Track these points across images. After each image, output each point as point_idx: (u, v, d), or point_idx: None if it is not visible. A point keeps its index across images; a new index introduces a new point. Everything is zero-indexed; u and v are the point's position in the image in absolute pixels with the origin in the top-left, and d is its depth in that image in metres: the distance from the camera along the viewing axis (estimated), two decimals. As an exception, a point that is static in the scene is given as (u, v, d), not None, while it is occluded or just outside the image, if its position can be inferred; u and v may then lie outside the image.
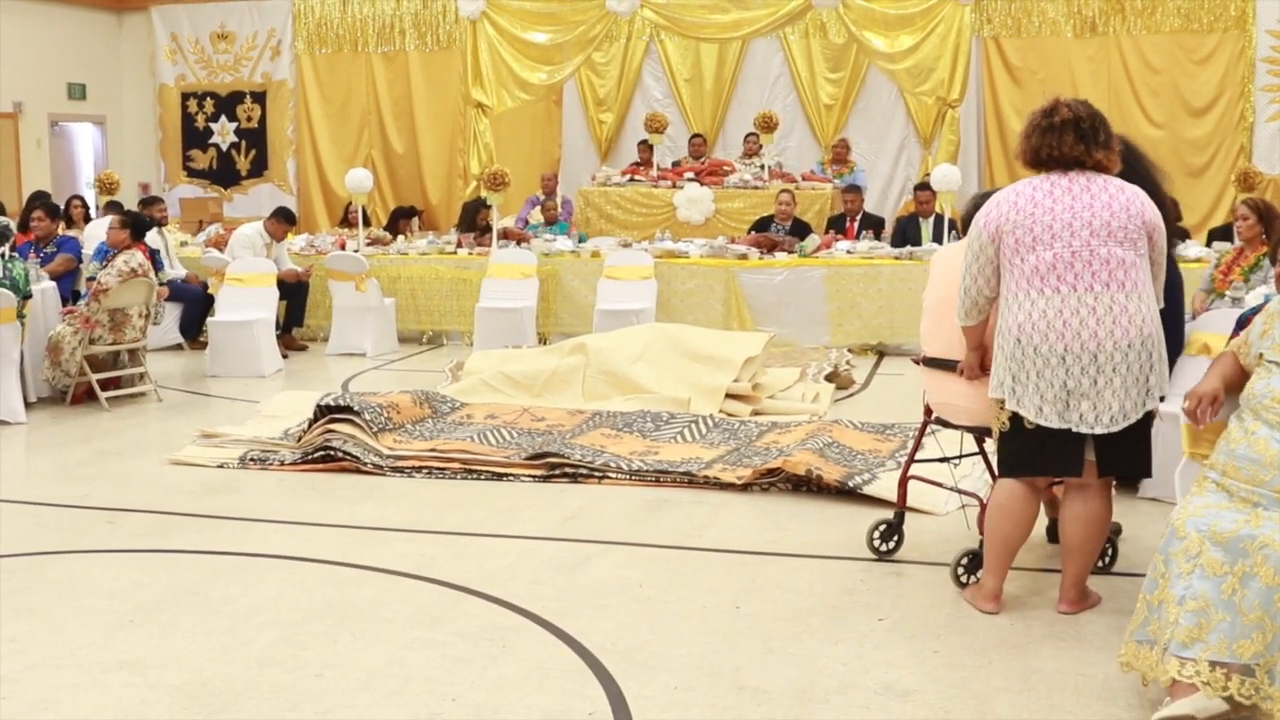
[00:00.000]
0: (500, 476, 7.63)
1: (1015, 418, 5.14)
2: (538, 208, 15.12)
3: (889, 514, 6.19)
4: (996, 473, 5.51)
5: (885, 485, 7.05)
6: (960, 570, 5.60)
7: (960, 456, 6.17)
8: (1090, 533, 5.22)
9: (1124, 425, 5.00)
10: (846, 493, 7.06)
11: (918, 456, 6.14)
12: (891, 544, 6.08)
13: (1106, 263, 4.98)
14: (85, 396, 9.94)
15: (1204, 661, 4.05)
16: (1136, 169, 5.50)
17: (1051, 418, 5.03)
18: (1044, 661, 4.82)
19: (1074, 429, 5.02)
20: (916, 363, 5.98)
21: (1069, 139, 5.08)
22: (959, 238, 12.71)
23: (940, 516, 6.65)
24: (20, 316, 9.48)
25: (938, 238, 12.73)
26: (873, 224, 13.71)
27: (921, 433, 6.09)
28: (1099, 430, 5.00)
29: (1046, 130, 5.13)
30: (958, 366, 5.54)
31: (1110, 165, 5.14)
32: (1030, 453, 5.19)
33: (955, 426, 5.85)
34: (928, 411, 5.96)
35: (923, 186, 13.37)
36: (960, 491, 6.12)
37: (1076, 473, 5.13)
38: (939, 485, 6.24)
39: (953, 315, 5.43)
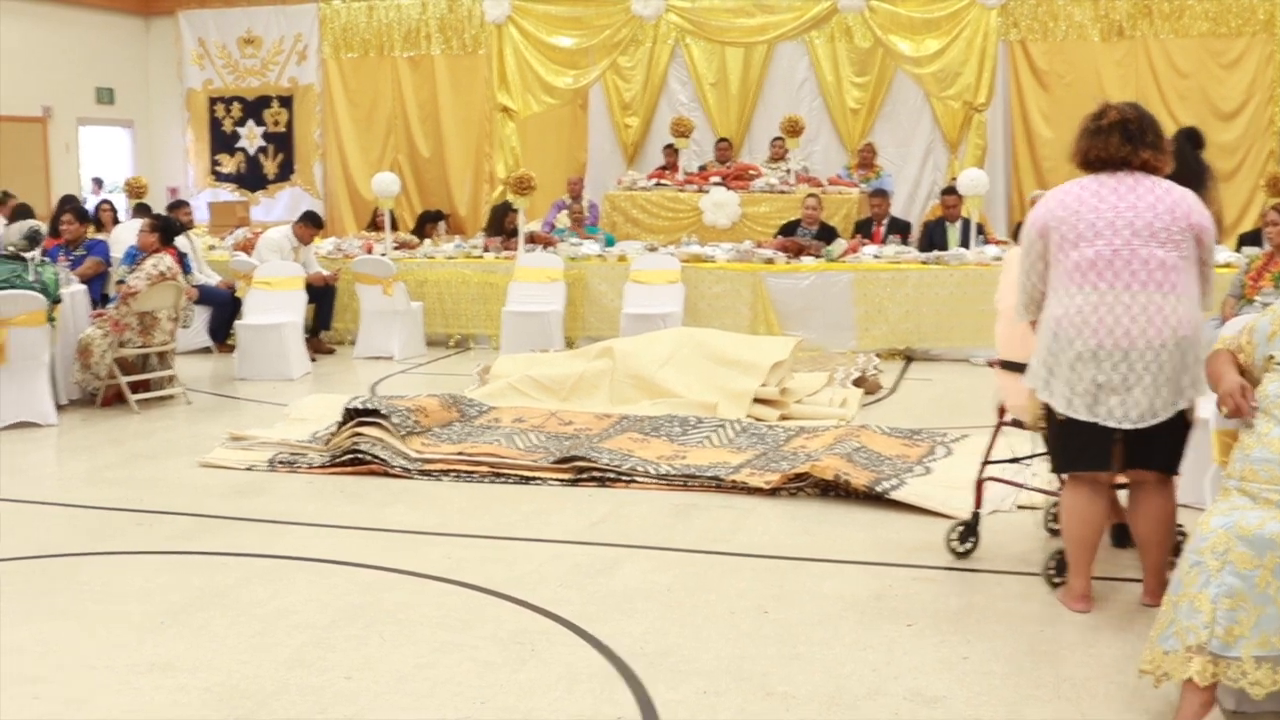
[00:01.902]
0: (528, 480, 7.65)
1: (1049, 409, 5.19)
2: (564, 211, 15.14)
3: (965, 516, 6.25)
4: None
5: (913, 490, 7.06)
6: (1051, 571, 5.62)
7: (1030, 458, 6.21)
8: (1160, 525, 5.29)
9: (1152, 423, 5.03)
10: (874, 498, 7.05)
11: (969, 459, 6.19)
12: (969, 545, 6.11)
13: (1146, 263, 5.02)
14: (115, 399, 10.00)
15: (1249, 659, 4.04)
16: (1180, 170, 5.53)
17: (1079, 410, 5.10)
18: (1075, 669, 4.81)
19: (1101, 423, 5.06)
20: (991, 365, 6.02)
21: (1115, 140, 5.18)
22: (985, 241, 12.72)
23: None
24: (50, 319, 9.54)
25: (964, 242, 12.69)
26: (899, 228, 13.67)
27: (995, 434, 6.12)
28: (1126, 426, 5.05)
29: (1095, 133, 5.24)
30: None
31: (1160, 166, 5.21)
32: (1063, 445, 5.28)
33: (1030, 428, 5.89)
34: (1000, 412, 6.01)
35: (949, 191, 13.33)
36: (1043, 491, 6.18)
37: (1105, 467, 5.19)
38: (1019, 486, 6.32)
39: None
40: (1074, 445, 5.25)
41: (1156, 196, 5.12)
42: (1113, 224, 5.08)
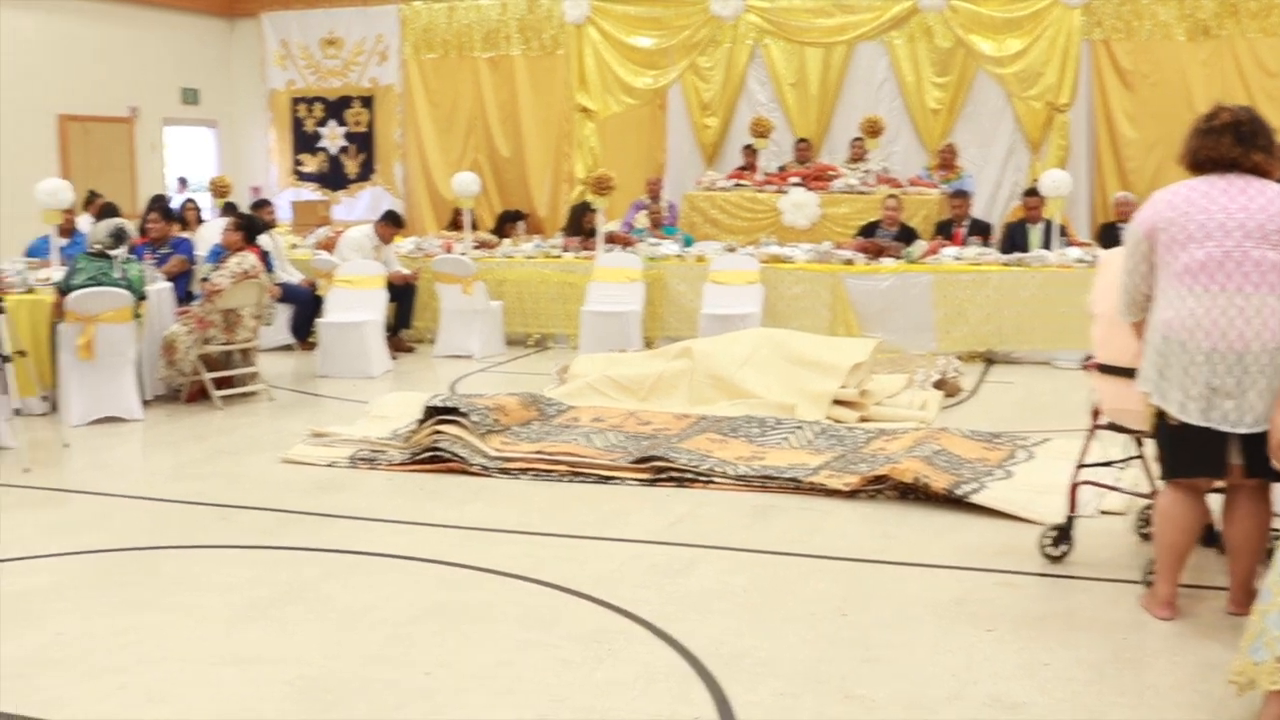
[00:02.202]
0: (607, 479, 7.66)
1: (1161, 413, 5.13)
2: (643, 212, 15.14)
3: (1048, 521, 6.22)
4: (1156, 476, 5.52)
5: (993, 494, 7.00)
6: (1150, 576, 5.55)
7: (1125, 461, 6.16)
8: (1254, 533, 5.21)
9: (1266, 427, 4.94)
10: (954, 501, 7.00)
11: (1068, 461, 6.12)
12: (1063, 549, 6.06)
13: (1259, 265, 4.94)
14: (198, 395, 10.14)
15: None
16: None
17: (1193, 414, 5.01)
18: (1159, 677, 4.75)
19: (1215, 428, 4.98)
20: (1086, 368, 5.96)
21: (1227, 141, 5.12)
22: (1067, 243, 12.58)
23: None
24: (136, 316, 9.69)
25: (1046, 244, 12.56)
26: (980, 230, 13.55)
27: (1090, 437, 6.06)
28: (1241, 430, 4.96)
29: (1206, 133, 5.19)
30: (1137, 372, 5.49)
31: (1271, 170, 5.15)
32: (1174, 450, 5.19)
33: (1129, 431, 5.84)
34: (1095, 415, 5.95)
35: (1031, 192, 13.20)
36: (1139, 495, 6.11)
37: (1219, 473, 5.12)
38: (1114, 490, 6.29)
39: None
40: (1187, 451, 5.14)
41: (1268, 199, 5.03)
42: (1223, 225, 5.00)
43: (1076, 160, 15.39)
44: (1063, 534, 6.07)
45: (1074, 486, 6.10)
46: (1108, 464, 6.17)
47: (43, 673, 4.88)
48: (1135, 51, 16.20)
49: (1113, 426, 5.90)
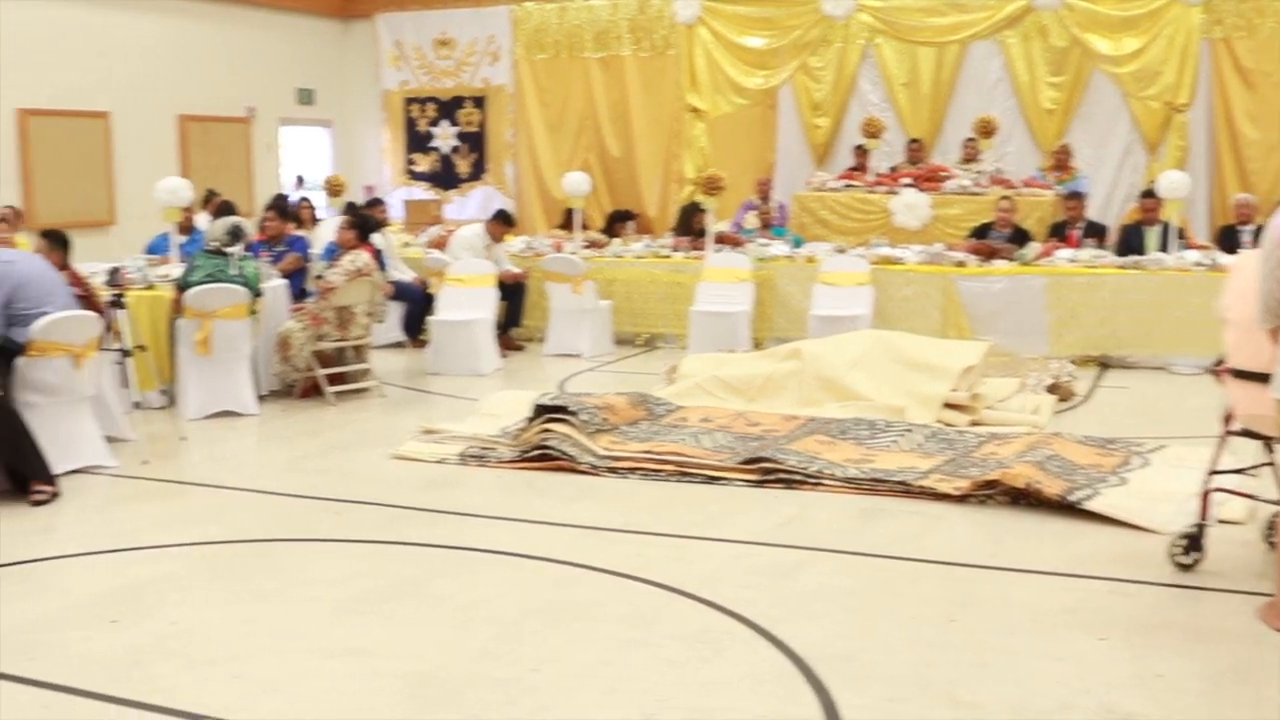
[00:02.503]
0: (714, 480, 7.66)
1: None
2: (753, 212, 15.10)
3: (1163, 529, 6.14)
4: None
5: (1108, 501, 6.89)
6: None
7: (1255, 467, 6.05)
8: None
9: None
10: (1066, 507, 6.90)
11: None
12: (1193, 558, 5.95)
13: None
14: (312, 391, 10.29)
15: None
16: None
17: None
18: (1277, 690, 4.63)
19: None
20: (1214, 374, 5.86)
21: None
22: (1185, 246, 12.35)
23: (1164, 535, 6.43)
24: (252, 313, 9.85)
25: (1163, 246, 12.35)
26: (1096, 232, 13.35)
27: (1221, 443, 5.95)
28: None
29: None
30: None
31: None
32: None
33: (1263, 437, 5.73)
34: (1226, 420, 5.85)
35: (1148, 194, 12.98)
36: (1268, 502, 6.01)
37: None
38: (1250, 498, 6.19)
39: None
40: None
41: None
42: None
43: (1195, 161, 15.11)
44: (1193, 542, 5.95)
45: (1205, 494, 5.98)
46: (1239, 471, 6.03)
47: (158, 661, 4.99)
48: (1257, 50, 15.80)
49: (1245, 433, 5.78)
